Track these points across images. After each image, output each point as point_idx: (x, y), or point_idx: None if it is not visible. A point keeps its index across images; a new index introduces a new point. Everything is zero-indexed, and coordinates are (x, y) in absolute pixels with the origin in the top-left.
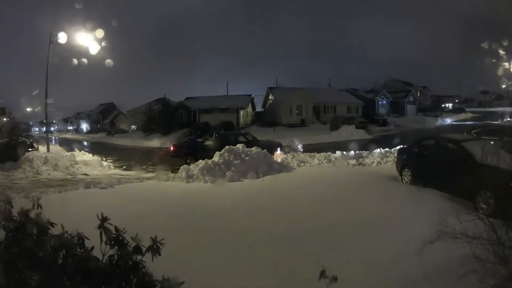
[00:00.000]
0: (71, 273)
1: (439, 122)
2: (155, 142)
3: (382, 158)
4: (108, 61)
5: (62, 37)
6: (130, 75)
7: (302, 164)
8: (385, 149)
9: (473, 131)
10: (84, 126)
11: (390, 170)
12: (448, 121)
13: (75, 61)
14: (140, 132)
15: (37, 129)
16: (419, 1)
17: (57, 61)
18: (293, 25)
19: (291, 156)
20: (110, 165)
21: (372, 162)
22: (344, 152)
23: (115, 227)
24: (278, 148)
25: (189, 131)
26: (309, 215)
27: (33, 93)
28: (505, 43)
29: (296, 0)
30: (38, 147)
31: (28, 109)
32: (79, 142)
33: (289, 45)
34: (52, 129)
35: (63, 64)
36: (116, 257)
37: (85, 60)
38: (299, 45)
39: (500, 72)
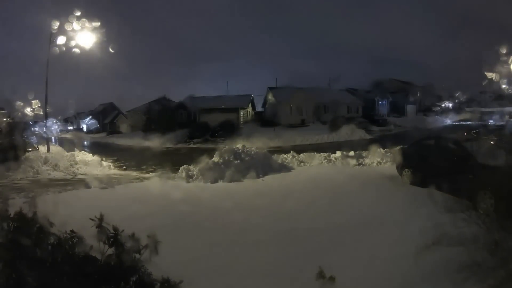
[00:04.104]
0: (70, 273)
1: (439, 122)
2: (155, 142)
3: (382, 158)
4: (108, 61)
5: (62, 38)
6: (130, 75)
7: (302, 164)
8: (385, 149)
9: (473, 131)
10: (84, 126)
11: (390, 170)
12: (448, 121)
13: (75, 61)
14: (140, 132)
15: (37, 129)
16: (419, 0)
17: (57, 62)
18: (293, 25)
19: (291, 156)
20: (110, 165)
21: (372, 162)
22: (344, 152)
23: (114, 226)
24: None
25: (189, 131)
26: (309, 215)
27: (33, 93)
28: (505, 43)
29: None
30: (38, 147)
31: (28, 110)
32: (80, 141)
33: (289, 45)
34: (52, 129)
35: (63, 65)
36: (114, 257)
37: (85, 60)
38: (299, 45)
39: (500, 71)
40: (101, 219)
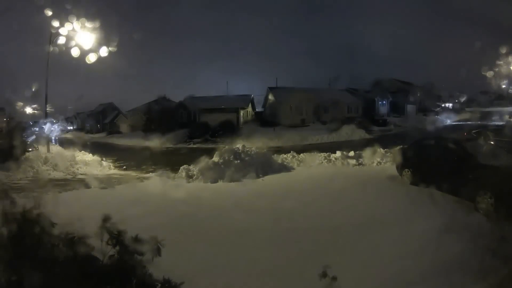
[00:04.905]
0: (72, 273)
1: (439, 122)
2: (155, 142)
3: (382, 158)
4: (108, 61)
5: (61, 38)
6: (130, 75)
7: (302, 164)
8: (385, 149)
9: (473, 131)
10: (84, 126)
11: (390, 170)
12: (448, 121)
13: (75, 61)
14: (140, 132)
15: (37, 129)
16: (419, 0)
17: (57, 62)
18: (293, 25)
19: (291, 156)
20: (110, 165)
21: (372, 162)
22: (344, 152)
23: (116, 227)
24: None
25: (189, 131)
26: (309, 215)
27: (33, 93)
28: (505, 43)
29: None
30: (38, 147)
31: (28, 110)
32: (80, 141)
33: (289, 45)
34: (52, 129)
35: (63, 65)
36: (116, 257)
37: (85, 60)
38: (299, 45)
39: (500, 71)
40: (104, 220)
